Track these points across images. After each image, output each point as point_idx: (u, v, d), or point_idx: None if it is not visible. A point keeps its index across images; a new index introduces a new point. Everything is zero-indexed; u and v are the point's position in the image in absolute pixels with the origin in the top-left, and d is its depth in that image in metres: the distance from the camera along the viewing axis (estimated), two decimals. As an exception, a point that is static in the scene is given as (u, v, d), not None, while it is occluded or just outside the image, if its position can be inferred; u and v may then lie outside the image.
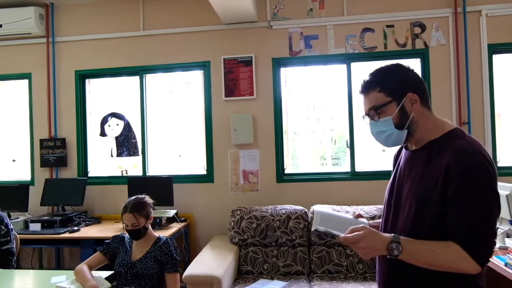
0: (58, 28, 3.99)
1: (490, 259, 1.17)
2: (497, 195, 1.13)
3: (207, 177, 3.75)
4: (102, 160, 4.04)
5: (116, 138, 4.01)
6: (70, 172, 3.94)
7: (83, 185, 3.70)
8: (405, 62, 1.60)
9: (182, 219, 3.54)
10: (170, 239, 2.29)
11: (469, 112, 3.41)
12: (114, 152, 4.01)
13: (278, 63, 3.68)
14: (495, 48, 3.45)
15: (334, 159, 3.70)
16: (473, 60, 3.45)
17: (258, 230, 3.18)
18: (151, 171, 3.92)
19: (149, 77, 3.95)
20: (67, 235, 3.17)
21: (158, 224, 3.27)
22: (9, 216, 3.58)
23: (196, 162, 3.87)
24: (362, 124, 3.56)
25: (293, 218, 3.17)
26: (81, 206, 3.68)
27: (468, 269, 1.11)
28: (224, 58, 3.70)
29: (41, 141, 3.92)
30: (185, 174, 3.82)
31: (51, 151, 3.90)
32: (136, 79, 3.95)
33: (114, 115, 4.03)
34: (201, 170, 3.82)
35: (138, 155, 3.95)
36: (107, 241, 2.32)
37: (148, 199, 2.31)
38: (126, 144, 3.99)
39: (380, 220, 1.44)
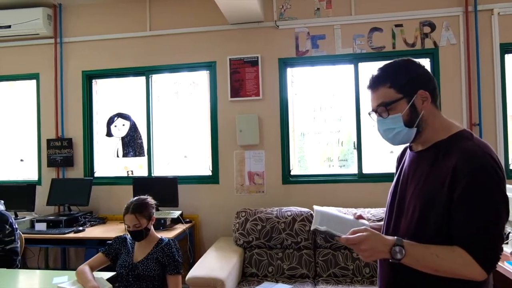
0: (66, 29, 4.02)
1: (500, 264, 1.11)
2: (505, 199, 1.08)
3: (213, 178, 3.72)
4: (108, 160, 4.04)
5: (122, 138, 4.01)
6: (76, 172, 3.95)
7: (89, 185, 3.71)
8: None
9: (187, 220, 3.52)
10: (172, 241, 2.26)
11: (480, 113, 3.33)
12: (120, 153, 4.01)
13: (284, 63, 3.64)
14: (507, 48, 3.36)
15: (341, 160, 3.64)
16: (484, 60, 3.36)
17: (263, 232, 3.14)
18: (157, 172, 3.90)
19: (155, 78, 3.95)
20: (71, 235, 3.17)
21: (163, 225, 3.25)
22: (16, 215, 3.61)
23: (202, 163, 3.84)
24: (370, 125, 3.54)
25: (299, 220, 3.13)
26: (87, 206, 3.69)
27: (473, 275, 1.06)
28: (230, 58, 3.68)
29: (48, 141, 3.94)
30: (190, 175, 3.80)
31: (58, 151, 3.92)
32: (142, 79, 3.94)
33: (120, 115, 4.03)
34: (207, 171, 3.79)
35: (144, 155, 3.94)
36: (109, 242, 2.31)
37: (150, 200, 2.29)
38: (132, 144, 3.99)
39: (382, 223, 1.39)
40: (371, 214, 3.06)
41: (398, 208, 1.26)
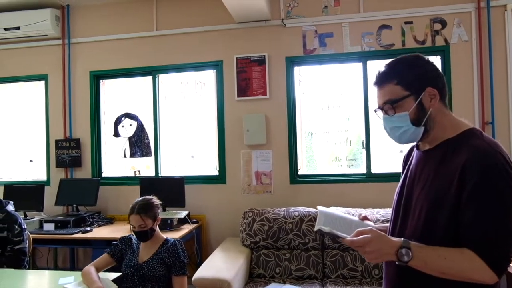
0: (74, 30, 4.03)
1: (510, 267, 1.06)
2: None
3: (219, 178, 3.70)
4: (116, 160, 4.05)
5: (130, 138, 4.02)
6: (84, 172, 3.96)
7: (96, 185, 3.72)
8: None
9: (194, 220, 3.50)
10: (178, 241, 2.25)
11: (493, 112, 3.24)
12: (127, 153, 4.02)
13: (291, 62, 3.60)
14: (522, 44, 3.27)
15: (350, 160, 3.58)
16: (497, 57, 3.28)
17: (270, 232, 3.11)
18: (164, 172, 3.90)
19: (162, 78, 3.94)
20: (79, 235, 3.18)
21: (170, 225, 3.24)
22: (25, 216, 3.64)
23: (208, 163, 3.83)
24: (379, 124, 3.46)
25: (306, 221, 3.09)
26: (95, 206, 3.70)
27: (483, 279, 1.02)
28: (236, 58, 3.65)
29: (57, 141, 3.97)
30: (197, 175, 3.79)
31: (66, 151, 3.94)
32: (149, 79, 3.94)
33: (128, 115, 4.04)
34: (213, 171, 3.77)
35: (151, 155, 3.94)
36: (114, 242, 2.30)
37: (155, 200, 2.27)
38: (139, 144, 3.99)
39: (388, 224, 1.35)
40: (380, 214, 3.00)
41: (404, 209, 1.22)
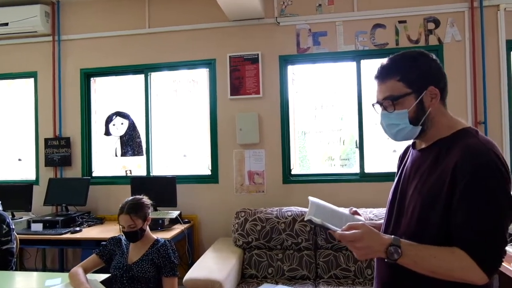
0: (64, 26, 3.96)
1: (506, 265, 1.04)
2: (509, 198, 1.01)
3: (212, 178, 3.66)
4: (107, 159, 3.99)
5: (121, 137, 3.96)
6: (74, 171, 3.90)
7: (86, 185, 3.65)
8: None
9: (186, 220, 3.45)
10: (168, 242, 2.20)
11: (486, 111, 3.25)
12: (119, 152, 3.96)
13: (285, 60, 3.57)
14: (514, 44, 3.28)
15: (343, 159, 3.57)
16: (490, 57, 3.28)
17: (262, 232, 3.08)
18: (155, 171, 3.85)
19: (154, 76, 3.89)
20: (68, 235, 3.12)
21: (161, 225, 3.19)
22: (13, 215, 3.56)
23: (201, 162, 3.78)
24: (372, 124, 3.46)
25: (299, 221, 3.06)
26: (84, 206, 3.64)
27: (473, 279, 1.00)
28: (230, 56, 3.61)
29: (46, 140, 3.89)
30: (189, 175, 3.74)
31: (56, 150, 3.87)
32: (141, 77, 3.89)
33: (119, 114, 3.98)
34: (206, 170, 3.73)
35: (143, 154, 3.88)
36: (103, 243, 2.25)
37: (146, 199, 2.23)
38: (131, 143, 3.93)
39: (379, 222, 1.33)
40: (373, 214, 2.99)
41: (398, 207, 1.21)
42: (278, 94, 3.56)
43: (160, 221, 3.19)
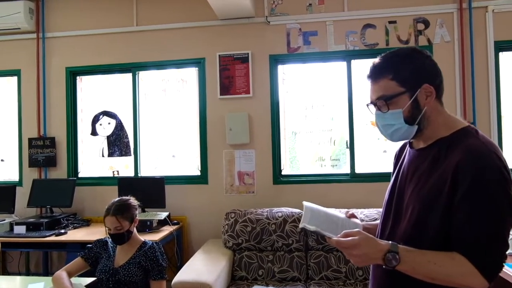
0: (49, 24, 3.86)
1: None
2: (511, 201, 0.98)
3: (201, 178, 3.61)
4: (93, 160, 3.90)
5: (108, 137, 3.87)
6: (59, 172, 3.80)
7: (72, 186, 3.56)
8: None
9: (175, 222, 3.39)
10: (156, 244, 2.15)
11: (474, 112, 3.27)
12: (106, 152, 3.87)
13: (275, 60, 3.54)
14: (502, 46, 3.30)
15: (333, 160, 3.55)
16: (478, 58, 3.30)
17: (253, 234, 3.04)
18: (143, 172, 3.77)
19: (142, 75, 3.82)
20: (52, 238, 3.02)
21: (149, 227, 3.13)
22: (-5, 218, 3.45)
23: (190, 162, 3.72)
24: (363, 124, 3.46)
25: (290, 222, 3.03)
26: (70, 208, 3.54)
27: (474, 285, 0.97)
28: (219, 55, 3.57)
29: (30, 140, 3.78)
30: (178, 175, 3.68)
31: (40, 150, 3.76)
32: (128, 76, 3.81)
33: (106, 113, 3.89)
34: (195, 171, 3.67)
35: (130, 155, 3.81)
36: (89, 245, 2.18)
37: (133, 200, 2.17)
38: (118, 143, 3.85)
39: (376, 222, 1.30)
40: (364, 215, 2.97)
41: (395, 209, 1.17)
42: (269, 94, 3.52)
43: (148, 223, 3.12)
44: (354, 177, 3.42)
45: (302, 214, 3.06)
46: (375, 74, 1.13)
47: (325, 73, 3.59)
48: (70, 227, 3.30)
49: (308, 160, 3.62)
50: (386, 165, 3.39)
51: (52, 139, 3.76)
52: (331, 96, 3.56)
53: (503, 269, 1.89)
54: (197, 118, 3.66)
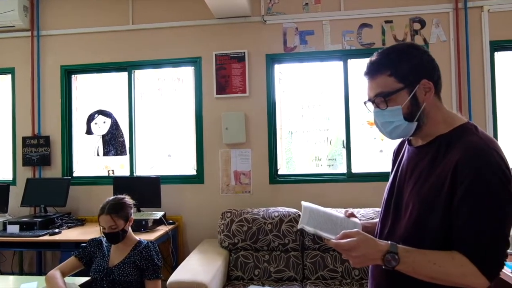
0: (44, 21, 3.83)
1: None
2: None
3: (197, 178, 3.59)
4: (88, 159, 3.87)
5: (103, 136, 3.84)
6: (54, 171, 3.76)
7: (66, 185, 3.53)
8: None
9: (170, 221, 3.37)
10: (151, 243, 2.12)
11: (470, 111, 3.28)
12: (101, 151, 3.84)
13: (272, 59, 3.53)
14: (497, 45, 3.32)
15: (330, 159, 3.54)
16: (474, 57, 3.31)
17: (249, 233, 3.02)
18: (139, 171, 3.75)
19: (138, 73, 3.80)
20: (46, 237, 2.99)
21: (144, 226, 3.10)
22: (-12, 217, 3.41)
23: (186, 162, 3.70)
24: (359, 124, 3.46)
25: (286, 221, 3.01)
26: (64, 207, 3.51)
27: (474, 285, 0.96)
28: (215, 54, 3.55)
29: (24, 139, 3.75)
30: (174, 175, 3.66)
31: (34, 149, 3.72)
32: (124, 75, 3.78)
33: (101, 112, 3.86)
34: (191, 170, 3.65)
35: (126, 154, 3.78)
36: (83, 244, 2.15)
37: (128, 199, 2.14)
38: (113, 143, 3.82)
39: (375, 220, 1.29)
40: (360, 214, 2.96)
41: (395, 207, 1.16)
42: (265, 93, 3.51)
43: (144, 222, 3.10)
44: (351, 177, 3.42)
45: (298, 214, 3.06)
46: (373, 71, 1.11)
47: (322, 73, 3.58)
48: (64, 227, 3.26)
49: (304, 159, 3.61)
50: (382, 165, 3.39)
51: (47, 138, 3.73)
52: (327, 96, 3.56)
53: (502, 270, 1.90)
54: (193, 117, 3.65)
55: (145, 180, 3.50)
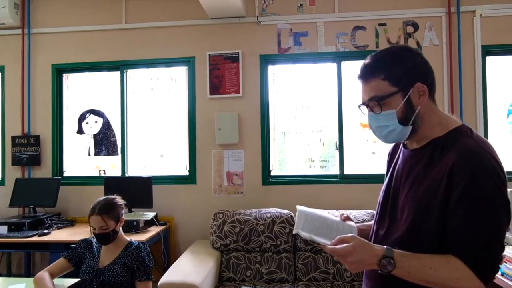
0: (35, 19, 3.78)
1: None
2: (507, 204, 0.97)
3: (189, 179, 3.56)
4: (79, 159, 3.82)
5: (94, 136, 3.80)
6: (43, 171, 3.71)
7: (56, 185, 3.48)
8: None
9: (162, 222, 3.34)
10: (142, 244, 2.10)
11: (462, 115, 3.31)
12: (92, 151, 3.80)
13: (266, 60, 3.52)
14: (489, 50, 3.35)
15: (323, 161, 3.55)
16: (466, 61, 3.35)
17: (241, 234, 3.01)
18: (131, 172, 3.71)
19: (131, 73, 3.77)
20: (35, 238, 2.94)
21: (136, 227, 3.07)
22: (-25, 217, 3.35)
23: (178, 162, 3.68)
24: (352, 126, 3.47)
25: (278, 223, 3.01)
26: (54, 207, 3.46)
27: None
28: (209, 54, 3.54)
29: (13, 138, 3.69)
30: (166, 175, 3.63)
31: (24, 148, 3.67)
32: (116, 74, 3.75)
33: (93, 112, 3.82)
34: (183, 170, 3.63)
35: (117, 154, 3.74)
36: (72, 245, 2.12)
37: (119, 199, 2.12)
38: (105, 142, 3.78)
39: (370, 223, 1.28)
40: (353, 216, 2.94)
41: (390, 210, 1.15)
42: (259, 94, 3.51)
43: (135, 223, 3.07)
44: (343, 178, 3.42)
45: (291, 215, 3.05)
46: (366, 75, 1.10)
47: (315, 74, 3.59)
48: (54, 227, 3.22)
49: (297, 161, 3.61)
50: (375, 167, 3.40)
51: (37, 137, 3.68)
52: (321, 97, 3.56)
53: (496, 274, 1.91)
54: (186, 118, 3.62)
55: (136, 180, 3.47)
